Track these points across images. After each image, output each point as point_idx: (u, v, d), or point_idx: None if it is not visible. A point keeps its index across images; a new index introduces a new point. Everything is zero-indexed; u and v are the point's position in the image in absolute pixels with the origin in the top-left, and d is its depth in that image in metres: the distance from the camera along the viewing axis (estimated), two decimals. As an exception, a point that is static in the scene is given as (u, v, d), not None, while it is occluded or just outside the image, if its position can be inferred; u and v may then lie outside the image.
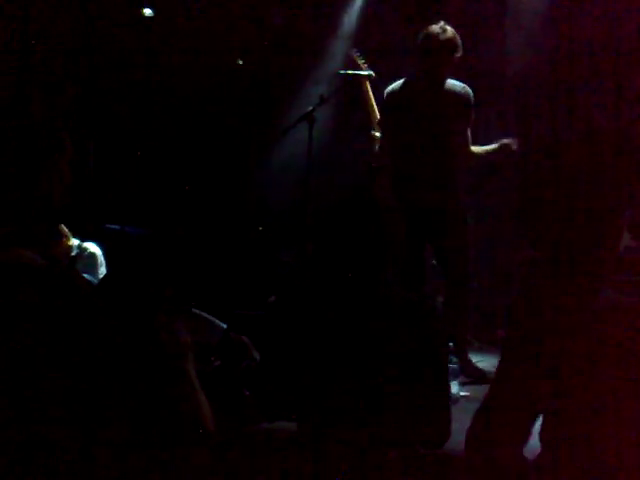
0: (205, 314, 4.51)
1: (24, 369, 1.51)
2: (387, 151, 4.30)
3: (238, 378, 3.73)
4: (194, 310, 4.47)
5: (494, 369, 1.92)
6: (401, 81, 4.24)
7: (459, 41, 4.15)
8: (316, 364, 1.99)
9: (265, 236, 6.48)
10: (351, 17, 6.60)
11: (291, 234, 5.61)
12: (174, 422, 1.87)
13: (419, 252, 4.42)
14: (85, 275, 4.48)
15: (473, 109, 4.19)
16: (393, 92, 4.23)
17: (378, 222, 2.03)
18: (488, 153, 4.33)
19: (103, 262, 5.37)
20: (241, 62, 6.81)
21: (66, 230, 5.24)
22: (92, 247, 5.38)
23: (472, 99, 4.18)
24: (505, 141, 4.36)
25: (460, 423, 1.97)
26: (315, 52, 6.56)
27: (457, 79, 4.31)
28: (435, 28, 4.13)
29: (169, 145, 6.60)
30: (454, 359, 4.86)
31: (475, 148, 4.29)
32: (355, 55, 4.68)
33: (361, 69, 4.44)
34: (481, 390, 3.37)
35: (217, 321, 4.43)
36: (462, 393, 4.19)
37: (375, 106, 4.48)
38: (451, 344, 5.33)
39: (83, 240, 5.39)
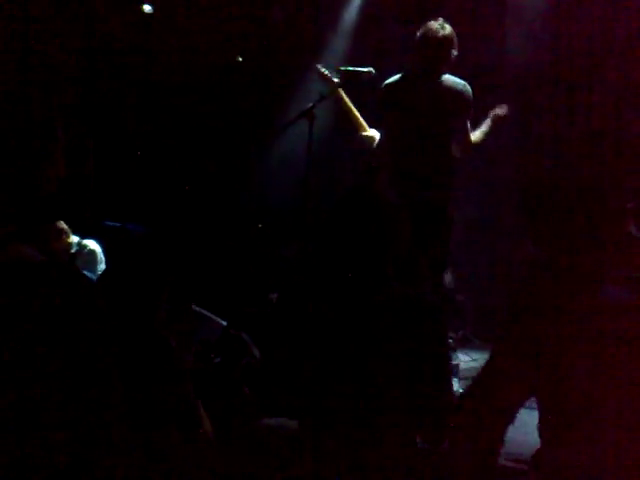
0: (205, 311, 4.52)
1: (24, 366, 1.50)
2: (385, 148, 4.29)
3: (238, 375, 3.74)
4: (194, 307, 4.48)
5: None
6: (398, 76, 4.22)
7: (456, 39, 4.15)
8: (316, 361, 1.98)
9: (265, 233, 6.48)
10: (351, 13, 6.59)
11: (291, 231, 5.61)
12: (172, 420, 1.87)
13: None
14: (85, 272, 4.48)
15: (472, 106, 4.18)
16: (390, 87, 4.21)
17: (379, 218, 2.02)
18: (486, 134, 4.32)
19: (103, 259, 5.37)
20: (241, 59, 6.81)
21: (66, 227, 5.24)
22: (92, 244, 5.38)
23: (471, 97, 4.17)
24: (494, 111, 4.36)
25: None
26: (315, 48, 6.55)
27: (458, 76, 4.30)
28: (434, 24, 4.13)
29: (169, 142, 6.60)
30: (455, 356, 4.87)
31: (473, 136, 4.27)
32: (321, 69, 4.67)
33: (330, 81, 4.44)
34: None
35: (217, 318, 4.43)
36: (462, 390, 4.19)
37: (354, 110, 4.49)
38: (451, 341, 5.34)
39: (83, 237, 5.39)
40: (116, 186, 6.26)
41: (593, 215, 1.81)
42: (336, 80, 4.31)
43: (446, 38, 4.07)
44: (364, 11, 6.57)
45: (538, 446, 1.90)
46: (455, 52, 4.13)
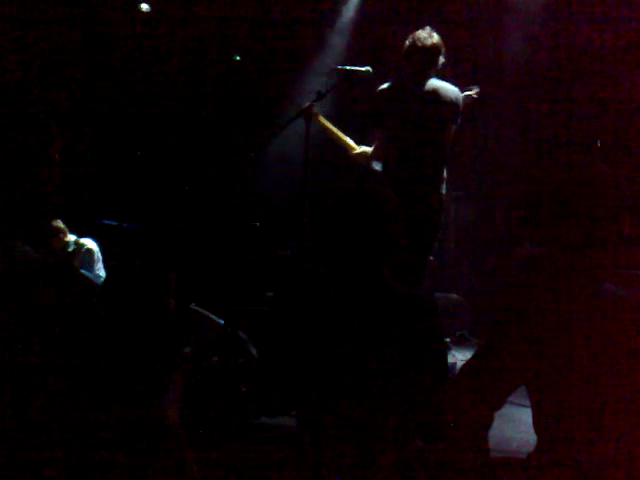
0: (203, 310, 4.52)
1: (20, 365, 1.50)
2: (381, 153, 4.33)
3: (235, 373, 3.74)
4: (192, 306, 4.48)
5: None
6: (389, 83, 4.32)
7: (443, 47, 4.25)
8: (315, 360, 1.98)
9: (262, 232, 6.48)
10: (349, 12, 6.59)
11: (288, 230, 5.61)
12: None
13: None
14: (82, 271, 4.48)
15: (460, 113, 4.27)
16: (383, 93, 4.29)
17: (378, 217, 2.02)
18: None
19: (100, 258, 5.38)
20: (238, 58, 6.81)
21: (63, 226, 5.25)
22: (89, 243, 5.39)
23: (461, 103, 4.27)
24: (466, 93, 4.41)
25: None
26: (313, 47, 6.55)
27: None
28: (422, 33, 4.23)
29: (167, 141, 6.60)
30: (451, 355, 4.87)
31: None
32: (301, 105, 4.63)
33: (308, 113, 4.41)
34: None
35: (215, 317, 4.43)
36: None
37: (338, 132, 4.52)
38: (448, 339, 5.34)
39: (80, 236, 5.39)
40: (114, 185, 6.26)
41: (593, 214, 1.81)
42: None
43: (434, 46, 4.19)
44: (362, 10, 6.58)
45: (535, 443, 1.90)
46: (443, 59, 4.24)
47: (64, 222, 5.28)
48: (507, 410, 1.96)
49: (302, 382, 2.01)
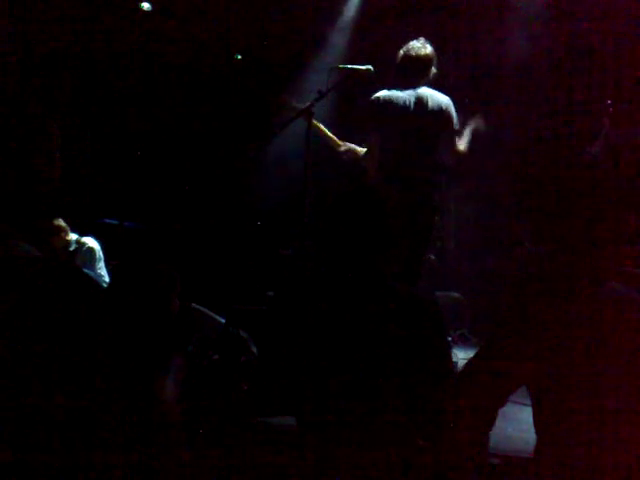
0: (204, 309, 4.52)
1: (20, 365, 1.50)
2: (375, 158, 4.41)
3: (236, 372, 3.75)
4: (193, 305, 4.49)
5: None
6: (383, 91, 4.40)
7: (436, 58, 4.39)
8: (316, 359, 1.98)
9: (264, 231, 6.48)
10: (350, 10, 6.59)
11: (289, 229, 5.61)
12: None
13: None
14: (84, 269, 4.48)
15: (453, 118, 4.35)
16: (377, 101, 4.40)
17: (379, 217, 2.02)
18: (469, 142, 4.47)
19: (101, 257, 5.38)
20: (239, 57, 6.81)
21: (64, 225, 5.25)
22: (90, 242, 5.39)
23: (454, 111, 4.35)
24: (472, 125, 4.48)
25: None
26: (314, 46, 6.55)
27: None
28: (416, 43, 4.37)
29: (167, 140, 6.60)
30: (452, 352, 4.87)
31: (461, 145, 4.40)
32: (288, 101, 4.68)
33: (295, 109, 4.46)
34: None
35: (216, 316, 4.44)
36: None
37: (323, 128, 4.57)
38: (450, 338, 5.35)
39: (81, 235, 5.40)
40: (115, 185, 6.27)
41: (594, 213, 1.81)
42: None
43: (428, 57, 4.34)
44: (363, 8, 6.58)
45: (535, 443, 1.90)
46: (435, 70, 4.37)
47: (65, 221, 5.29)
48: (508, 409, 1.97)
49: (303, 381, 2.01)
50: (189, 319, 4.28)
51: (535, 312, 1.82)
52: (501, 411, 1.91)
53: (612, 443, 1.76)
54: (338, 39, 6.67)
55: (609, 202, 1.82)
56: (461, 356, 4.87)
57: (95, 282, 1.95)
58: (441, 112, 4.29)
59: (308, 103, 4.29)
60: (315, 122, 4.46)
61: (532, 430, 1.90)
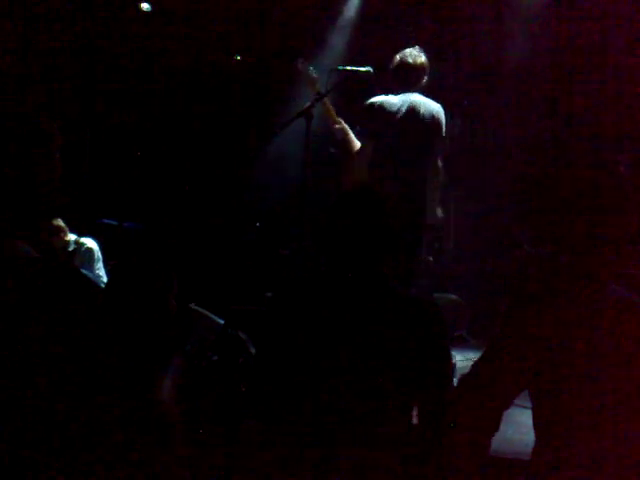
0: (203, 310, 4.52)
1: (19, 365, 1.50)
2: (367, 159, 4.48)
3: (235, 373, 3.75)
4: (192, 306, 4.48)
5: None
6: (378, 98, 4.49)
7: (429, 68, 4.51)
8: (315, 360, 1.97)
9: (263, 232, 6.48)
10: (350, 11, 6.60)
11: (289, 230, 5.61)
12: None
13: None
14: (82, 270, 4.48)
15: (443, 126, 4.47)
16: (370, 107, 4.47)
17: (382, 216, 2.02)
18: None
19: (100, 257, 5.39)
20: (239, 57, 6.81)
21: (63, 225, 5.25)
22: (89, 242, 5.39)
23: (443, 118, 4.48)
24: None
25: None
26: (313, 47, 6.55)
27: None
28: (412, 52, 4.49)
29: (167, 140, 6.60)
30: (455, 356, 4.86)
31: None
32: (307, 69, 4.74)
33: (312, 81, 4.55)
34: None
35: (215, 317, 4.44)
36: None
37: (328, 102, 4.63)
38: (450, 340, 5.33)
39: (80, 235, 5.40)
40: (114, 185, 6.26)
41: (595, 213, 1.81)
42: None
43: (422, 65, 4.46)
44: (363, 9, 6.58)
45: (535, 444, 1.90)
46: (427, 78, 4.50)
47: (64, 221, 5.28)
48: (508, 412, 1.96)
49: (302, 382, 2.01)
50: (187, 320, 4.28)
51: (535, 313, 1.81)
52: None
53: (612, 443, 1.76)
54: (337, 40, 6.67)
55: (611, 202, 1.81)
56: (459, 358, 4.86)
57: (93, 283, 1.95)
58: (432, 119, 4.42)
59: (308, 104, 4.30)
60: (325, 101, 4.50)
61: (531, 433, 1.89)
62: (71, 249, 5.22)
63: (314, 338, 1.99)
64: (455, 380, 4.31)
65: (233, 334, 3.98)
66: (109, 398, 1.61)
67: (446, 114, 4.51)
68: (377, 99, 4.46)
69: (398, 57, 4.50)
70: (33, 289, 1.55)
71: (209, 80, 6.67)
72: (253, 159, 6.16)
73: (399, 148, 4.38)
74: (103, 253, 5.41)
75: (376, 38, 6.34)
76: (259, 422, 2.14)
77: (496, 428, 1.88)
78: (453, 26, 6.15)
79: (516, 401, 1.92)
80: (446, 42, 5.41)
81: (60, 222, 5.21)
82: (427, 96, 4.48)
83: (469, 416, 1.85)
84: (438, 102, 4.47)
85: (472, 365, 1.94)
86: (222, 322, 4.31)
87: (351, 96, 5.17)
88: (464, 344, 5.72)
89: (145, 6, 6.11)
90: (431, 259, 6.11)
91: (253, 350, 3.85)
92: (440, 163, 4.54)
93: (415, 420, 2.02)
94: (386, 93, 4.50)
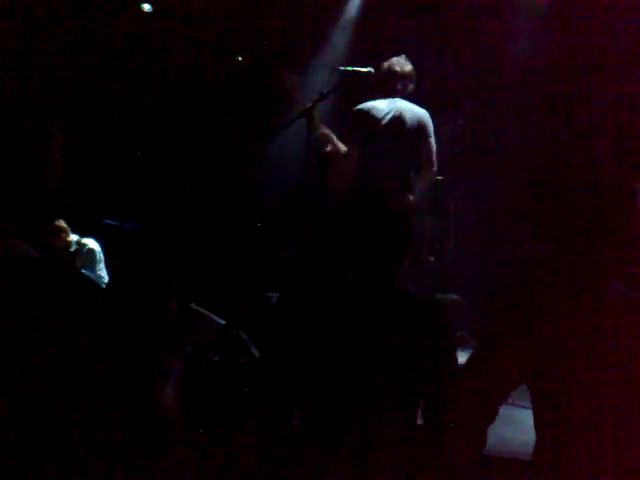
0: (204, 310, 4.52)
1: (20, 366, 1.50)
2: (351, 166, 4.57)
3: (236, 374, 3.74)
4: (193, 306, 4.48)
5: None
6: (366, 104, 4.66)
7: (415, 75, 4.72)
8: (318, 360, 1.97)
9: (264, 232, 6.48)
10: (351, 10, 6.60)
11: (290, 230, 5.61)
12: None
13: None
14: (84, 270, 4.49)
15: (430, 131, 4.64)
16: (358, 113, 4.65)
17: (388, 218, 2.02)
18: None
19: (102, 258, 5.39)
20: (240, 58, 6.81)
21: (65, 225, 5.26)
22: (91, 243, 5.40)
23: (430, 123, 4.64)
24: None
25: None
26: (314, 47, 6.55)
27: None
28: (400, 60, 4.68)
29: (168, 141, 6.60)
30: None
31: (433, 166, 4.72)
32: (292, 80, 4.84)
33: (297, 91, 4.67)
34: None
35: (216, 317, 4.43)
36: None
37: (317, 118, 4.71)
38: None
39: (82, 236, 5.40)
40: (116, 185, 6.27)
41: (597, 212, 1.80)
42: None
43: (410, 74, 4.68)
44: (364, 9, 6.58)
45: (535, 444, 1.90)
46: (412, 86, 4.71)
47: (66, 222, 5.29)
48: (507, 411, 1.96)
49: (305, 382, 2.01)
50: (187, 320, 4.28)
51: (536, 313, 1.81)
52: (500, 413, 1.91)
53: (613, 443, 1.76)
54: (339, 39, 6.68)
55: (613, 201, 1.81)
56: (460, 358, 4.86)
57: (94, 283, 1.95)
58: (419, 124, 4.59)
59: (309, 104, 4.30)
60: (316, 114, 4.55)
61: (532, 432, 1.90)
62: (73, 250, 5.23)
63: (319, 338, 1.99)
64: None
65: (234, 334, 3.98)
66: (109, 399, 1.61)
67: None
68: (365, 105, 4.67)
69: (386, 65, 4.68)
70: (34, 289, 1.55)
71: (210, 80, 6.67)
72: (254, 159, 6.17)
73: (385, 153, 4.55)
74: (104, 253, 5.41)
75: (377, 37, 6.35)
76: (260, 422, 2.14)
77: (490, 421, 1.88)
78: (454, 26, 6.15)
79: (516, 401, 1.92)
80: (447, 42, 5.41)
81: (62, 223, 5.22)
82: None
83: (463, 413, 1.85)
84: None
85: (467, 363, 1.93)
86: (223, 322, 4.31)
87: (352, 96, 5.18)
88: (465, 344, 5.71)
89: (146, 7, 6.11)
90: (432, 259, 6.11)
91: (254, 350, 3.85)
92: (434, 164, 4.66)
93: (419, 421, 2.02)
94: (373, 99, 4.66)
